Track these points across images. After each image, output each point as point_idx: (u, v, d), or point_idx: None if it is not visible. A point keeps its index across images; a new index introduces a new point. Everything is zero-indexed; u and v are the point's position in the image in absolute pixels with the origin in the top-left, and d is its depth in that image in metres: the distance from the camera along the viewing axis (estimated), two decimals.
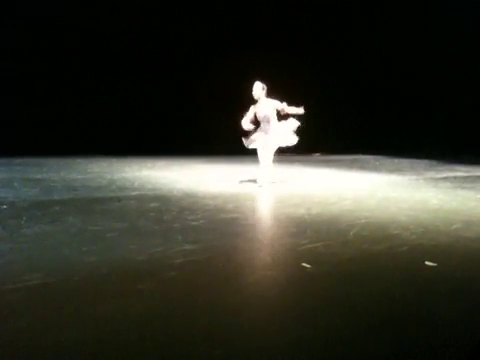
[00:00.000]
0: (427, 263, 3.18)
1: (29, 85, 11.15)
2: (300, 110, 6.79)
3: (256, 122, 6.89)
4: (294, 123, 6.74)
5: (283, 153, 10.40)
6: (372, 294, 2.70)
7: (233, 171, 8.87)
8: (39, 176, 7.22)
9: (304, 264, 3.09)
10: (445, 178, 8.00)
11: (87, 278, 2.89)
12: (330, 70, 13.71)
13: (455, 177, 8.22)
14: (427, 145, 13.52)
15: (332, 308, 2.49)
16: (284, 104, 6.78)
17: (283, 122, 6.82)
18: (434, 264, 3.16)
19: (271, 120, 6.78)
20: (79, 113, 11.73)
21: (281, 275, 2.99)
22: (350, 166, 10.06)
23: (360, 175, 8.60)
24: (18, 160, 9.21)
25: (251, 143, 6.90)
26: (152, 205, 5.14)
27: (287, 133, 6.79)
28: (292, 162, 10.58)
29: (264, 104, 6.76)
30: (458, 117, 13.49)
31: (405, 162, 11.05)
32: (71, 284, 2.78)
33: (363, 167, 9.93)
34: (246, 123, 6.77)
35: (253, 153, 10.31)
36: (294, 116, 6.86)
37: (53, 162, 9.21)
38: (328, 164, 10.58)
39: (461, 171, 9.22)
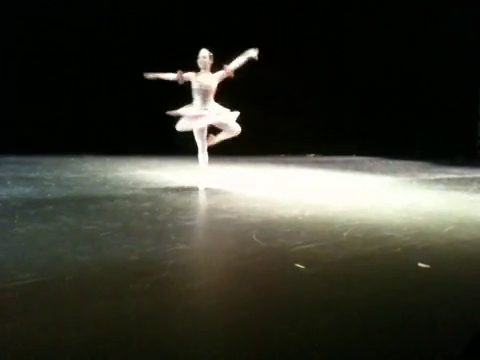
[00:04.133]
0: (420, 265, 3.19)
1: (23, 84, 11.10)
2: (251, 52, 5.95)
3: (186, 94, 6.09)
4: (234, 113, 6.04)
5: (277, 154, 10.39)
6: (364, 295, 2.71)
7: (226, 171, 8.87)
8: (33, 175, 7.19)
9: (297, 265, 3.09)
10: (438, 180, 8.03)
11: (80, 278, 2.88)
12: (324, 70, 13.73)
13: (448, 179, 8.26)
14: (421, 147, 13.60)
15: (324, 309, 2.50)
16: (226, 66, 5.95)
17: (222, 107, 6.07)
18: (427, 266, 3.18)
19: (211, 94, 6.00)
20: (74, 112, 11.69)
21: (274, 276, 3.00)
22: (344, 167, 10.08)
23: (354, 176, 8.62)
24: (12, 158, 9.17)
25: (185, 123, 5.99)
26: (146, 205, 5.13)
27: (227, 112, 6.03)
28: (286, 163, 10.60)
29: (208, 75, 6.00)
30: (452, 119, 13.55)
31: (399, 164, 11.09)
32: (64, 283, 2.76)
33: (357, 168, 9.96)
34: (168, 75, 5.94)
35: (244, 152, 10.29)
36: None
37: (47, 161, 9.17)
38: (322, 165, 10.60)
39: (454, 173, 9.27)
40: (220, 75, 6.00)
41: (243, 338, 2.16)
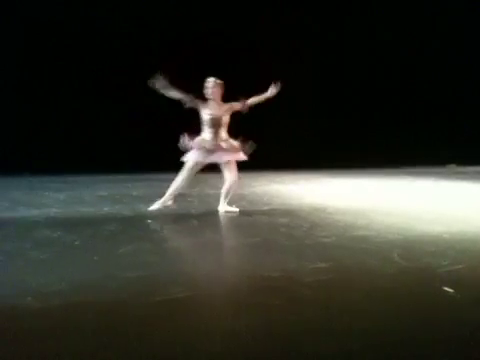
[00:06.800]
0: None
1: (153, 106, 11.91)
2: (271, 91, 5.56)
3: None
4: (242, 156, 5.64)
5: (412, 166, 9.70)
6: None
7: (360, 185, 8.68)
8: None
9: (445, 288, 2.93)
10: None
11: (224, 292, 3.02)
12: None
13: None
14: None
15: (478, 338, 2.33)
16: (243, 101, 5.57)
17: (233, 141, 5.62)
18: None
19: (222, 127, 5.55)
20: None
21: (420, 299, 2.87)
22: None
23: None
24: (156, 176, 9.90)
25: (191, 152, 5.52)
26: (282, 220, 5.23)
27: (237, 148, 5.59)
28: (426, 175, 10.08)
29: (218, 104, 5.57)
30: None
31: None
32: (210, 298, 2.92)
33: None
34: (181, 95, 5.46)
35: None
36: (262, 104, 5.57)
37: None
38: (466, 176, 9.89)
39: None
40: (233, 106, 5.61)
41: None
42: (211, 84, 5.57)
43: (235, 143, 5.62)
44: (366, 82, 13.07)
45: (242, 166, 11.19)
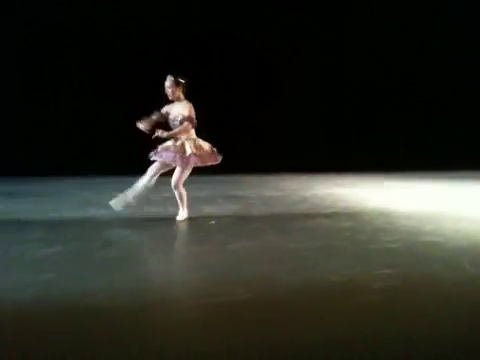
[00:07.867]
0: None
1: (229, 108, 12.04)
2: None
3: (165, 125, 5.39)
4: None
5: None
6: None
7: (426, 189, 8.40)
8: (239, 193, 7.77)
9: None
10: None
11: (285, 296, 3.01)
12: None
13: None
14: None
15: None
16: (189, 120, 5.20)
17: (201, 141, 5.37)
18: None
19: (177, 126, 5.27)
20: (265, 131, 12.36)
21: None
22: None
23: None
24: (219, 177, 10.03)
25: (156, 155, 5.31)
26: (345, 224, 5.16)
27: (207, 149, 5.41)
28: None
29: (178, 105, 5.29)
30: None
31: None
32: (271, 301, 2.92)
33: None
34: (145, 122, 5.23)
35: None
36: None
37: (251, 179, 9.83)
38: None
39: None
40: (191, 111, 5.27)
41: None
42: (167, 83, 5.30)
43: (179, 145, 5.26)
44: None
45: (303, 169, 11.17)
